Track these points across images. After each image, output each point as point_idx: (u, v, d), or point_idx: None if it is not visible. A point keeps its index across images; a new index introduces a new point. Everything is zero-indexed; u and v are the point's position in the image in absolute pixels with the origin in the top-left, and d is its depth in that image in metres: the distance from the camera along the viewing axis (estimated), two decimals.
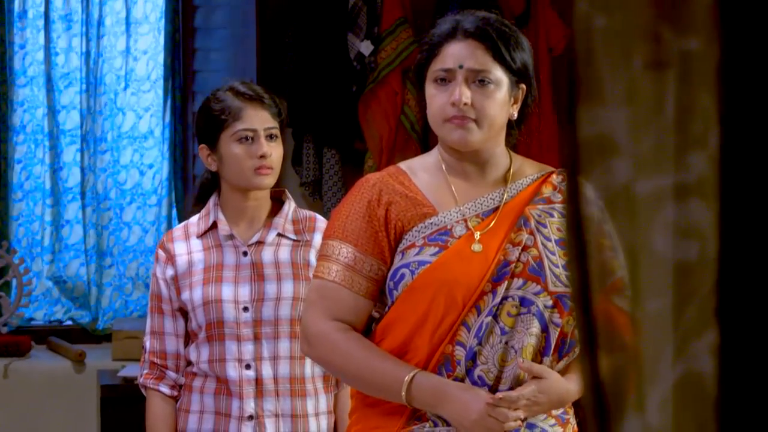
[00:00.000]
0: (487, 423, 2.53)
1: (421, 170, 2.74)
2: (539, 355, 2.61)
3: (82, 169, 5.42)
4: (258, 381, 3.20)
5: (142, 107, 5.52)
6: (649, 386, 0.97)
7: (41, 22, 5.39)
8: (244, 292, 3.22)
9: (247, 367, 3.19)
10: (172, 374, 3.28)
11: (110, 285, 5.51)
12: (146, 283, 5.51)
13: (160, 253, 3.30)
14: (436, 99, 2.65)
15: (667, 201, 0.95)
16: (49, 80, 5.39)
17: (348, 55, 5.23)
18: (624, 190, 0.96)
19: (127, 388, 4.83)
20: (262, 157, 3.19)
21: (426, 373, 2.59)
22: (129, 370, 4.95)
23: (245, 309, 3.21)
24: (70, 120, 5.44)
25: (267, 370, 3.20)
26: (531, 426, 2.61)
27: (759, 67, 0.93)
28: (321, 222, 3.36)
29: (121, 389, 4.85)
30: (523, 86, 2.70)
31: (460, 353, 2.59)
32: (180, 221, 5.53)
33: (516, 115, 2.70)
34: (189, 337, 3.29)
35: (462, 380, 2.60)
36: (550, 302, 2.60)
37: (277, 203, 3.35)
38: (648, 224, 0.96)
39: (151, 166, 5.53)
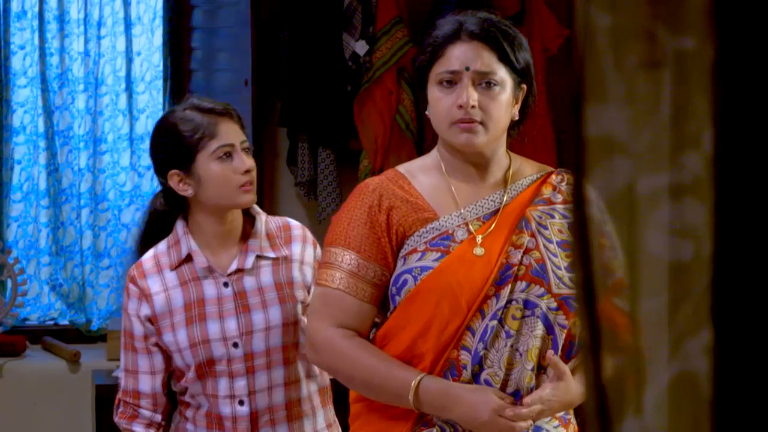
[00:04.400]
0: (498, 423, 2.52)
1: (421, 173, 2.72)
2: (545, 357, 2.59)
3: (80, 170, 5.42)
4: (253, 414, 3.07)
5: (137, 108, 5.51)
6: (645, 387, 0.97)
7: (36, 23, 5.39)
8: (232, 327, 3.06)
9: (240, 403, 3.06)
10: (146, 413, 3.13)
11: (107, 286, 5.51)
12: None
13: (132, 288, 3.11)
14: (442, 102, 2.62)
15: (662, 200, 0.95)
16: (44, 81, 5.38)
17: (343, 54, 5.22)
18: (626, 190, 0.96)
19: None
20: (247, 172, 3.02)
21: (433, 377, 2.57)
22: None
23: (235, 345, 3.05)
24: (64, 121, 5.43)
25: (262, 402, 3.08)
26: (537, 428, 2.60)
27: (754, 67, 0.93)
28: (296, 229, 3.19)
29: (116, 389, 4.83)
30: (524, 86, 2.68)
31: (465, 358, 2.57)
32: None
33: (518, 115, 2.69)
34: (170, 367, 3.12)
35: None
36: (554, 304, 2.58)
37: (247, 218, 3.16)
38: (645, 224, 0.96)
39: (149, 168, 5.52)
